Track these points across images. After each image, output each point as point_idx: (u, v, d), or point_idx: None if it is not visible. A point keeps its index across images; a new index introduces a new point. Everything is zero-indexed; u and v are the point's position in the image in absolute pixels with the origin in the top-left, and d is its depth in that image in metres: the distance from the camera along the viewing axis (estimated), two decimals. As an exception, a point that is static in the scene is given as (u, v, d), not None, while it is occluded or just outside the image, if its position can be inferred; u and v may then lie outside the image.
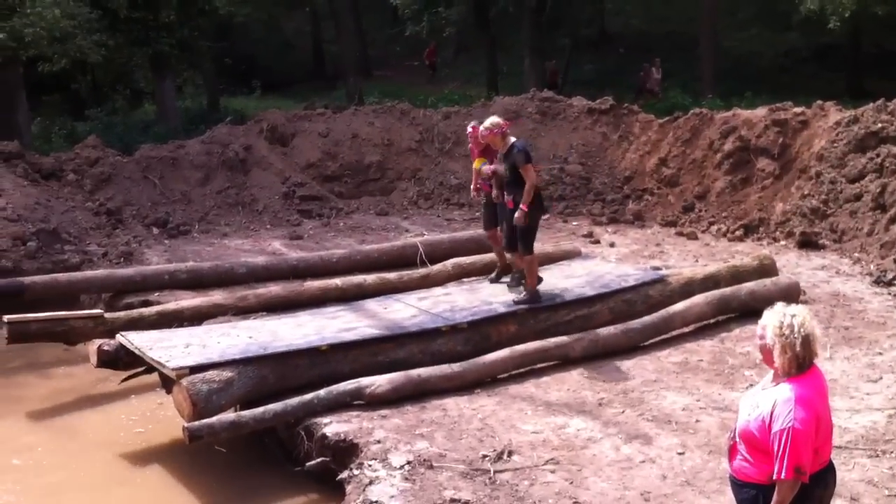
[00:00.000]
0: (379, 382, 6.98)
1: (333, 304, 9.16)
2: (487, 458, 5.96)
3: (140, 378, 8.03)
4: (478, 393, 7.18)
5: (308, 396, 6.81)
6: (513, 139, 8.54)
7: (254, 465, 7.03)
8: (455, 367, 7.32)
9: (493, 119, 8.73)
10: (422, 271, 10.40)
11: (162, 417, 7.80)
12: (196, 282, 10.32)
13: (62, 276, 10.14)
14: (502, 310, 8.28)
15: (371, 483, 5.72)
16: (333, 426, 6.54)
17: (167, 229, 12.87)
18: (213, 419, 6.50)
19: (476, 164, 9.23)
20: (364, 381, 6.97)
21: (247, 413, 6.65)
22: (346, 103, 21.14)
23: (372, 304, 8.80)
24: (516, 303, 8.37)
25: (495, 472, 5.78)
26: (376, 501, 5.47)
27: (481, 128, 8.69)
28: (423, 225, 13.80)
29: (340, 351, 7.47)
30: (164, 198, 13.60)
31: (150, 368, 7.54)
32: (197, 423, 6.43)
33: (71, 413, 8.19)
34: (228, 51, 27.05)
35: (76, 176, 13.47)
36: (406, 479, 5.71)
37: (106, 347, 7.76)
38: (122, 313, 9.02)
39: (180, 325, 8.70)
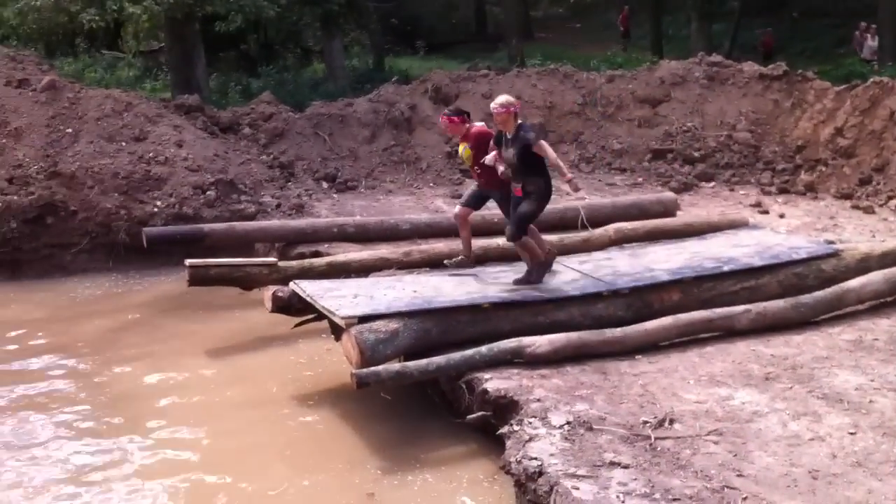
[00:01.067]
0: (539, 342, 7.04)
1: (494, 264, 9.27)
2: (648, 425, 5.93)
3: (310, 324, 8.40)
4: (638, 359, 7.13)
5: (470, 352, 6.94)
6: (519, 120, 7.92)
7: (417, 413, 7.26)
8: (616, 331, 7.29)
9: (506, 97, 7.99)
10: (582, 235, 10.36)
11: (329, 362, 8.17)
12: (362, 236, 10.67)
13: (239, 225, 10.69)
14: (665, 277, 8.16)
15: (531, 440, 5.79)
16: (494, 382, 6.65)
17: (335, 184, 13.32)
18: (380, 367, 6.73)
19: (463, 153, 8.56)
20: (525, 340, 7.03)
21: (411, 364, 6.85)
22: (509, 65, 21.11)
23: (533, 265, 8.85)
24: (516, 282, 8.01)
25: (656, 438, 5.74)
26: (536, 458, 5.54)
27: (493, 106, 7.88)
28: (584, 188, 13.67)
29: (502, 309, 7.56)
30: (332, 153, 14.05)
31: (320, 316, 7.87)
32: (364, 370, 6.67)
33: (244, 353, 8.69)
34: (394, 11, 27.47)
35: (251, 130, 14.08)
36: (565, 438, 5.76)
37: (280, 294, 8.14)
38: (294, 262, 9.44)
39: (347, 277, 9.02)
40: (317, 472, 6.50)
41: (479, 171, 8.40)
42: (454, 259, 8.98)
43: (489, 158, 8.07)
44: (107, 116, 12.50)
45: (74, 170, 11.55)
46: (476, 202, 8.74)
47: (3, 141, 11.89)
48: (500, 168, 7.97)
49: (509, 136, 7.88)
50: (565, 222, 11.10)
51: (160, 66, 24.91)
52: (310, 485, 6.32)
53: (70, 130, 12.17)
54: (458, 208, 8.92)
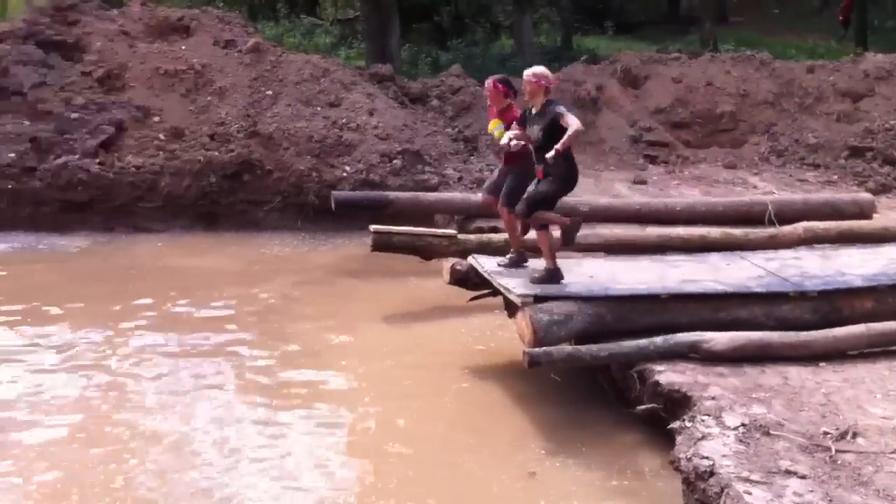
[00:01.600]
0: (718, 339, 6.86)
1: (674, 253, 9.10)
2: (829, 436, 5.69)
3: (484, 300, 8.52)
4: (822, 366, 6.84)
5: (644, 341, 6.86)
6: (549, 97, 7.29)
7: (584, 398, 7.25)
8: (802, 335, 7.01)
9: (542, 69, 7.39)
10: (769, 231, 10.01)
11: (501, 339, 8.27)
12: (541, 215, 10.67)
13: (424, 196, 10.97)
14: (859, 283, 7.77)
15: (703, 438, 5.69)
16: (667, 375, 6.55)
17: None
18: (552, 348, 6.77)
19: (492, 127, 7.96)
20: (705, 335, 6.87)
21: (584, 347, 6.86)
22: (701, 49, 20.48)
23: (715, 259, 8.63)
24: (532, 282, 7.46)
25: (837, 451, 5.51)
26: (708, 457, 5.43)
27: (527, 72, 7.32)
28: (774, 183, 13.18)
29: (680, 302, 7.41)
30: (517, 130, 14.10)
31: (496, 292, 7.98)
32: (536, 349, 6.73)
33: (419, 321, 8.92)
34: (585, -11, 27.17)
35: (439, 102, 14.34)
36: (740, 440, 5.61)
37: (458, 267, 8.31)
38: (472, 236, 9.61)
39: (524, 255, 9.07)
40: (480, 445, 6.61)
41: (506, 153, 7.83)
42: (505, 258, 8.04)
43: (511, 134, 7.48)
44: (305, 81, 13.05)
45: (272, 131, 12.14)
46: (500, 187, 8.10)
47: (209, 98, 12.63)
48: (514, 143, 7.44)
49: (535, 112, 7.34)
50: (751, 217, 10.74)
51: (356, 34, 25.65)
52: (472, 457, 6.44)
53: (270, 92, 12.79)
54: (482, 195, 8.47)
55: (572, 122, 7.02)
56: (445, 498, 5.91)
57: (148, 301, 9.20)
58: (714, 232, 9.81)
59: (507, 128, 7.63)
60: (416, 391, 7.47)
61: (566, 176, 7.42)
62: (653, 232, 9.89)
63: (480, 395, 7.38)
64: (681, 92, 15.22)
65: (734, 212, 10.90)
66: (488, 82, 7.99)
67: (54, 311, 8.93)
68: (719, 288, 7.61)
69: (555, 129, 7.10)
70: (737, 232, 9.86)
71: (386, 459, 6.43)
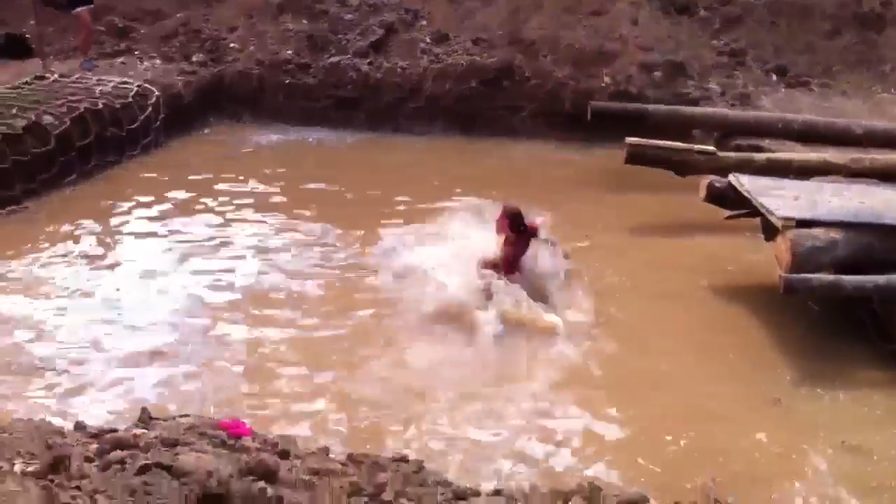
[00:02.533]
0: None
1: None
2: None
3: (738, 220, 8.26)
4: None
5: (917, 275, 6.45)
6: None
7: (840, 330, 6.95)
8: None
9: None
10: None
11: (754, 262, 8.01)
12: (808, 135, 10.12)
13: (683, 109, 10.66)
14: None
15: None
16: (938, 314, 6.16)
17: (786, 78, 12.62)
18: (812, 276, 6.51)
19: None
20: None
21: (847, 278, 6.54)
22: None
23: None
24: None
25: None
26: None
27: None
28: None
29: (961, 238, 6.87)
30: (787, 45, 13.26)
31: (754, 213, 7.70)
32: (795, 275, 6.50)
33: (668, 236, 8.80)
34: None
35: (707, 13, 13.67)
36: None
37: (717, 184, 8.07)
38: (732, 154, 9.29)
39: (786, 176, 8.66)
40: (724, 366, 6.57)
41: None
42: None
43: None
44: (569, -11, 12.89)
45: (534, 38, 12.17)
46: None
47: (474, 4, 12.80)
48: None
49: None
50: None
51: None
52: (715, 376, 6.42)
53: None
54: None
55: None
56: (686, 417, 5.94)
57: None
58: None
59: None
60: (661, 305, 7.46)
61: None
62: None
63: (728, 315, 7.27)
64: None
65: None
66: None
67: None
68: None
69: None
70: None
71: (627, 372, 6.52)
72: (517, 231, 7.39)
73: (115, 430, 4.02)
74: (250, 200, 9.66)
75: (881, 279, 6.48)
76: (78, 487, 2.36)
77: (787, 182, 8.10)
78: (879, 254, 6.85)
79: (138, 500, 2.42)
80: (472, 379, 6.35)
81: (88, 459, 3.45)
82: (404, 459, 4.34)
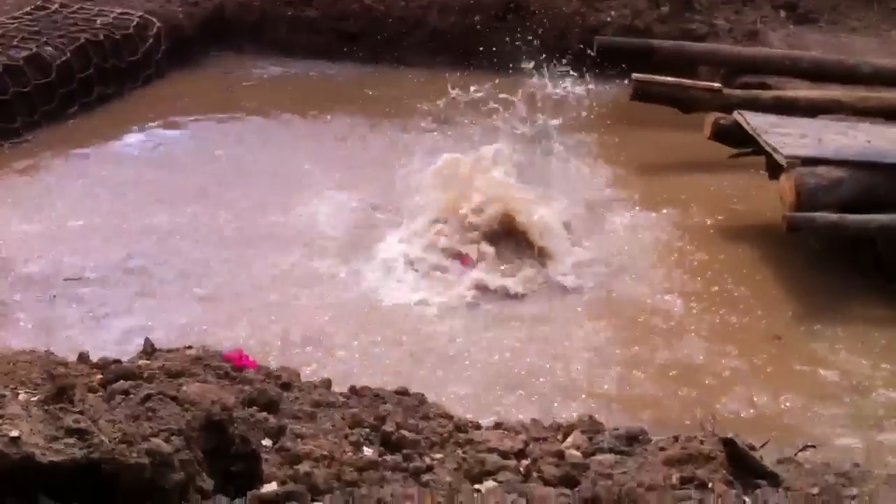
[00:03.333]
0: None
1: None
2: None
3: (744, 158, 8.21)
4: None
5: (920, 217, 6.44)
6: None
7: (843, 268, 6.96)
8: None
9: None
10: None
11: (758, 200, 7.98)
12: (816, 73, 9.98)
13: (690, 45, 10.50)
14: None
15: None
16: (941, 254, 6.17)
17: (795, 14, 12.42)
18: (816, 214, 6.50)
19: None
20: None
21: (851, 217, 6.53)
22: None
23: None
24: None
25: None
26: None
27: None
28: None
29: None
30: (797, -20, 13.06)
31: (758, 151, 7.66)
32: (799, 214, 6.50)
33: (673, 174, 8.78)
34: None
35: (717, -54, 13.44)
36: None
37: (723, 121, 8.02)
38: (739, 91, 9.19)
39: (792, 115, 8.58)
40: (726, 303, 6.60)
41: None
42: None
43: None
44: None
45: (541, -30, 11.96)
46: None
47: (480, -65, 12.53)
48: None
49: None
50: None
51: None
52: (716, 313, 6.47)
53: (540, -70, 12.48)
54: None
55: None
56: (685, 353, 5.99)
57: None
58: None
59: None
60: (664, 244, 7.47)
61: None
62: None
63: (731, 253, 7.28)
64: None
65: None
66: None
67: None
68: None
69: None
70: None
71: (625, 306, 6.57)
72: None
73: (118, 361, 4.06)
74: (247, 133, 9.62)
75: (885, 218, 6.48)
76: (81, 412, 2.38)
77: (793, 120, 8.03)
78: (884, 194, 6.83)
79: (141, 423, 2.46)
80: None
81: (92, 390, 3.49)
82: (406, 393, 4.38)
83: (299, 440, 3.56)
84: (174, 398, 3.31)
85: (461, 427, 4.10)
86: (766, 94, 9.10)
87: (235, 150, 9.12)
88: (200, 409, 2.58)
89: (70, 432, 2.22)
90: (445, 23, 11.84)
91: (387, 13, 11.95)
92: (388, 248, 7.11)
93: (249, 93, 10.85)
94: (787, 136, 7.29)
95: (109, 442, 2.19)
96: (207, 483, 2.40)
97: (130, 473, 2.18)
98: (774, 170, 7.35)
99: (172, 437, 2.38)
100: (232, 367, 4.09)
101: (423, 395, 4.40)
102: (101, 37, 10.11)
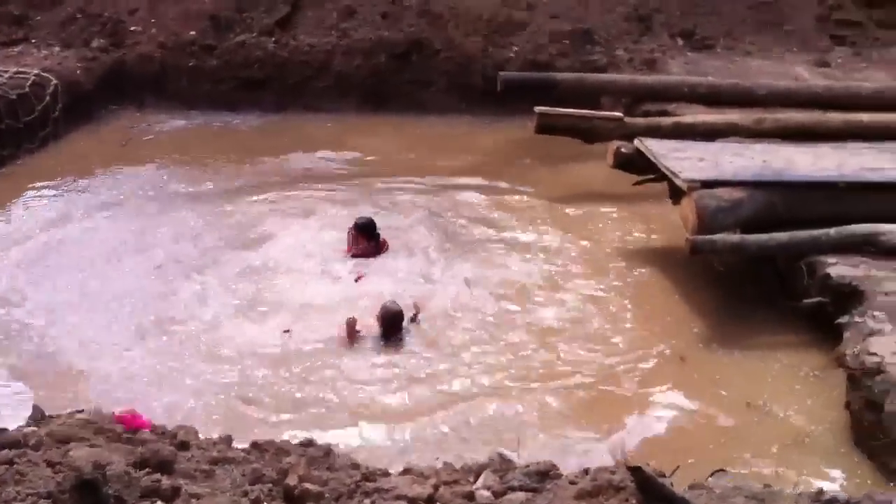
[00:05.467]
0: (897, 232, 6.50)
1: (855, 141, 8.56)
2: None
3: (648, 185, 8.32)
4: None
5: (817, 232, 6.58)
6: None
7: (747, 290, 7.07)
8: None
9: None
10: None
11: (664, 225, 8.10)
12: (713, 98, 10.22)
13: (590, 77, 10.67)
14: None
15: (872, 334, 5.48)
16: (839, 268, 6.30)
17: (691, 41, 12.73)
18: (717, 237, 6.59)
19: None
20: (882, 227, 6.52)
21: (751, 237, 6.64)
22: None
23: (901, 148, 8.08)
24: None
25: None
26: (876, 353, 5.25)
27: None
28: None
29: (859, 192, 7.02)
30: (693, 7, 13.37)
31: (661, 177, 7.78)
32: (700, 237, 6.59)
33: (580, 204, 8.86)
34: None
35: (615, -23, 13.73)
36: (912, 341, 5.38)
37: (624, 150, 8.14)
38: (640, 119, 9.36)
39: (692, 139, 8.76)
40: (632, 327, 6.67)
41: None
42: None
43: None
44: (479, -42, 12.74)
45: (442, 9, 12.04)
46: None
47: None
48: None
49: None
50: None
51: None
52: (625, 336, 6.52)
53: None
54: None
55: None
56: (593, 375, 6.05)
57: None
58: (902, 119, 9.12)
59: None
60: (568, 271, 7.52)
61: None
62: (835, 117, 9.28)
63: (639, 278, 7.38)
64: (880, -36, 13.95)
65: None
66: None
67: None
68: (903, 178, 7.15)
69: None
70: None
71: (546, 332, 6.57)
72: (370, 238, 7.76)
73: (4, 430, 3.88)
74: (146, 190, 9.39)
75: (783, 236, 6.60)
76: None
77: (691, 144, 8.20)
78: (782, 211, 6.97)
79: (8, 487, 2.32)
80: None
81: (-26, 461, 3.31)
82: (311, 444, 4.27)
83: (194, 501, 3.43)
84: (57, 465, 3.17)
85: (369, 476, 4.01)
86: (666, 120, 9.27)
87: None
88: (70, 466, 2.44)
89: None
90: (350, 66, 11.83)
91: (291, 59, 11.90)
92: None
93: (149, 148, 10.60)
94: (687, 161, 7.42)
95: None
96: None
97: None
98: (676, 194, 7.46)
99: (40, 502, 2.24)
100: (125, 429, 3.94)
101: (328, 446, 4.30)
102: (-4, 96, 9.84)
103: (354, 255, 7.67)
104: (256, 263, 7.63)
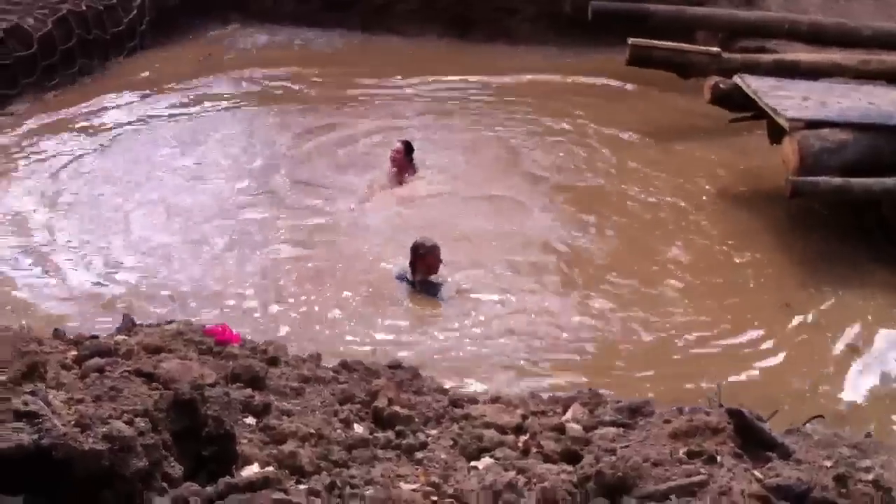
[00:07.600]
0: None
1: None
2: None
3: (745, 122, 8.01)
4: None
5: (924, 179, 6.26)
6: None
7: (846, 233, 6.82)
8: None
9: None
10: None
11: (758, 165, 7.80)
12: (815, 37, 9.74)
13: (688, 10, 10.22)
14: None
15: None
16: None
17: (793, -24, 12.21)
18: (820, 178, 6.34)
19: None
20: None
21: (855, 180, 6.36)
22: None
23: None
24: None
25: None
26: None
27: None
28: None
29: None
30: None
31: (760, 115, 7.47)
32: (802, 178, 6.32)
33: (675, 139, 8.60)
34: None
35: None
36: None
37: (722, 85, 7.85)
38: (738, 55, 9.00)
39: (793, 78, 8.37)
40: (733, 271, 6.45)
41: None
42: None
43: None
44: None
45: (533, -66, 11.65)
46: None
47: None
48: None
49: None
50: None
51: None
52: (723, 281, 6.36)
53: None
54: None
55: None
56: (693, 322, 5.88)
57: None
58: None
59: None
60: (664, 212, 7.31)
61: None
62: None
63: (735, 219, 7.16)
64: None
65: None
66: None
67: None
68: None
69: None
70: None
71: (631, 278, 6.42)
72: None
73: (95, 337, 3.87)
74: (230, 103, 9.47)
75: (890, 181, 6.32)
76: (33, 393, 2.17)
77: (794, 83, 7.83)
78: (888, 156, 6.65)
79: (102, 404, 2.26)
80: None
81: (67, 367, 3.30)
82: (399, 366, 4.20)
83: (285, 418, 3.38)
84: (150, 375, 3.12)
85: (457, 402, 3.93)
86: (766, 57, 8.89)
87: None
88: (169, 387, 2.37)
89: (18, 416, 2.01)
90: (437, -10, 11.54)
91: (377, -21, 11.66)
92: None
93: (230, 63, 10.55)
94: (790, 99, 7.10)
95: (63, 426, 1.98)
96: (175, 469, 2.20)
97: (85, 461, 1.97)
98: (776, 134, 7.16)
99: (136, 420, 2.18)
100: (215, 342, 3.91)
101: (416, 368, 4.23)
102: (84, 7, 9.83)
103: None
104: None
